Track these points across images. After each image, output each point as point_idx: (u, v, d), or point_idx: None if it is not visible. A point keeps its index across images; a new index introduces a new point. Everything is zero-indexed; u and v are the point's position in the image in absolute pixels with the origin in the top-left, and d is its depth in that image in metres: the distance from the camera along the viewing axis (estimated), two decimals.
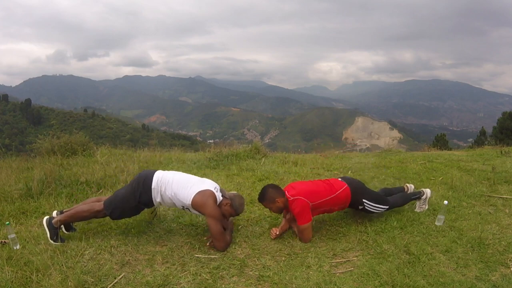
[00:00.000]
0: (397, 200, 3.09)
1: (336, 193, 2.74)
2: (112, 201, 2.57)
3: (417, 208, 3.17)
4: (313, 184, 2.81)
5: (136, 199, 2.53)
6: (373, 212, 2.92)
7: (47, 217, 2.57)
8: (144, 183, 2.54)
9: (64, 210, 2.67)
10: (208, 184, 2.59)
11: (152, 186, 2.53)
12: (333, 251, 2.51)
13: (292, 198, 2.63)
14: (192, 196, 2.46)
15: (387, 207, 2.96)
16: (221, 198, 2.61)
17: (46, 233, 2.50)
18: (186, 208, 2.58)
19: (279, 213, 2.79)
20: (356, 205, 2.87)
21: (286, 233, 2.78)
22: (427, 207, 3.16)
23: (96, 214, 2.56)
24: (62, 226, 2.63)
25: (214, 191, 2.55)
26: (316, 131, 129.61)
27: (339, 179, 2.92)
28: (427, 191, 3.18)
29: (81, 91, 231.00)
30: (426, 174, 4.43)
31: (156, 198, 2.55)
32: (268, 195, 2.64)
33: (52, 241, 2.48)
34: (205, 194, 2.49)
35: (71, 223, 2.71)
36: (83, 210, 2.55)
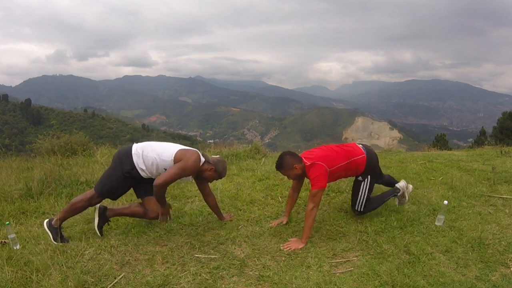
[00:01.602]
0: (378, 199, 3.04)
1: (351, 159, 2.75)
2: (100, 181, 2.61)
3: (398, 202, 3.14)
4: (330, 149, 2.80)
5: (120, 169, 2.52)
6: (360, 192, 2.87)
7: (46, 220, 2.58)
8: (124, 152, 2.55)
9: None
10: (191, 148, 2.65)
11: (133, 152, 2.52)
12: (333, 251, 2.51)
13: (309, 163, 2.61)
14: (175, 151, 2.50)
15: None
16: (203, 160, 2.60)
17: (49, 236, 2.51)
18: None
19: (297, 179, 2.81)
20: (359, 175, 2.87)
21: (287, 233, 2.78)
22: (407, 199, 3.13)
23: (90, 201, 2.57)
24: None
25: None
26: (316, 131, 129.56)
27: (360, 145, 2.90)
28: (401, 185, 3.08)
29: (81, 91, 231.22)
30: (426, 174, 4.42)
31: (139, 163, 2.50)
32: (286, 162, 2.62)
33: (55, 242, 2.48)
34: (189, 151, 2.54)
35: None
36: (78, 201, 2.56)
